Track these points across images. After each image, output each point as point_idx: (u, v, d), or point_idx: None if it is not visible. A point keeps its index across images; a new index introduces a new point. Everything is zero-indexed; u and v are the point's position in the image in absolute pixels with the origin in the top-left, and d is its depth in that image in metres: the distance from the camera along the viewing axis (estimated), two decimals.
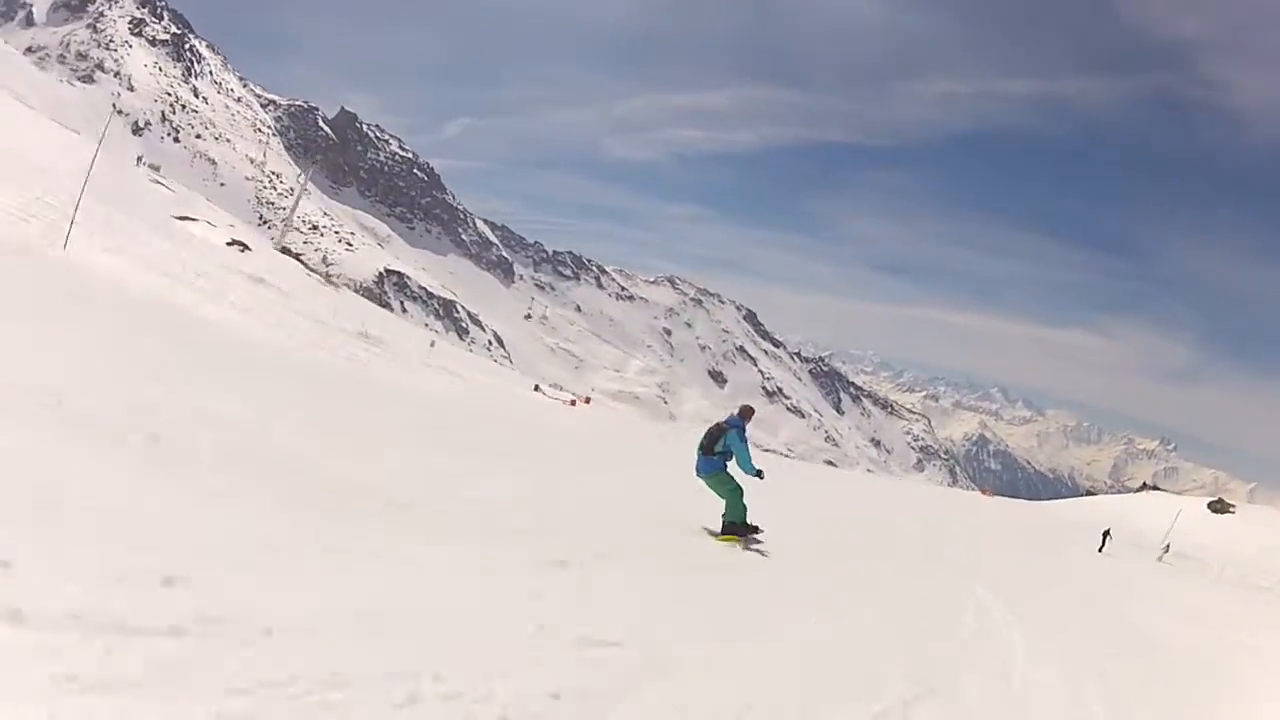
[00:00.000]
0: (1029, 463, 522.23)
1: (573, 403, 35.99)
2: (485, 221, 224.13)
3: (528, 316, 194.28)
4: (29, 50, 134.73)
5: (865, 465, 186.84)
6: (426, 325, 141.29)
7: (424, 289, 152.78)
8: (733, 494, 8.07)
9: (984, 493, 32.40)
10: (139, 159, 61.42)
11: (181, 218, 27.15)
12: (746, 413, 8.47)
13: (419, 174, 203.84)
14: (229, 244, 27.09)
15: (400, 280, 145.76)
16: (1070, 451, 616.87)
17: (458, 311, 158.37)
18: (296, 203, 65.25)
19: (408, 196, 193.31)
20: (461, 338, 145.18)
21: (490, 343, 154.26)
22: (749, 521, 8.10)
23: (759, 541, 8.09)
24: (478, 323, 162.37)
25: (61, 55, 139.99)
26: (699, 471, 8.22)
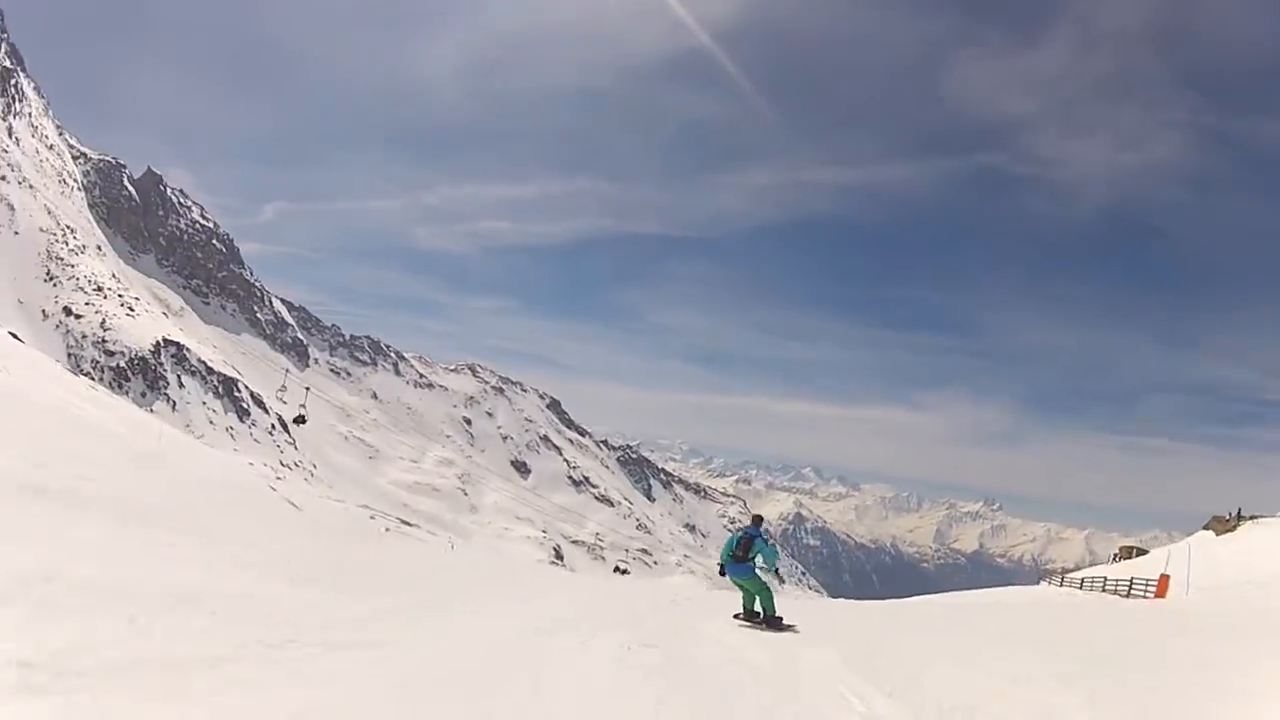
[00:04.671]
0: (849, 536, 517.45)
1: None
2: (283, 301, 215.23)
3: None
4: None
5: (681, 550, 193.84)
6: (204, 404, 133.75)
7: (204, 363, 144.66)
8: (766, 590, 9.36)
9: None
10: None
11: None
12: (758, 520, 10.04)
13: (217, 245, 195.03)
14: None
15: (179, 352, 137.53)
16: (890, 521, 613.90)
17: (239, 391, 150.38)
18: None
19: (205, 269, 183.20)
20: (242, 420, 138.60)
21: (273, 426, 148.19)
22: (778, 615, 9.34)
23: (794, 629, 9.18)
24: (262, 405, 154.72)
25: None
26: (732, 575, 9.49)
